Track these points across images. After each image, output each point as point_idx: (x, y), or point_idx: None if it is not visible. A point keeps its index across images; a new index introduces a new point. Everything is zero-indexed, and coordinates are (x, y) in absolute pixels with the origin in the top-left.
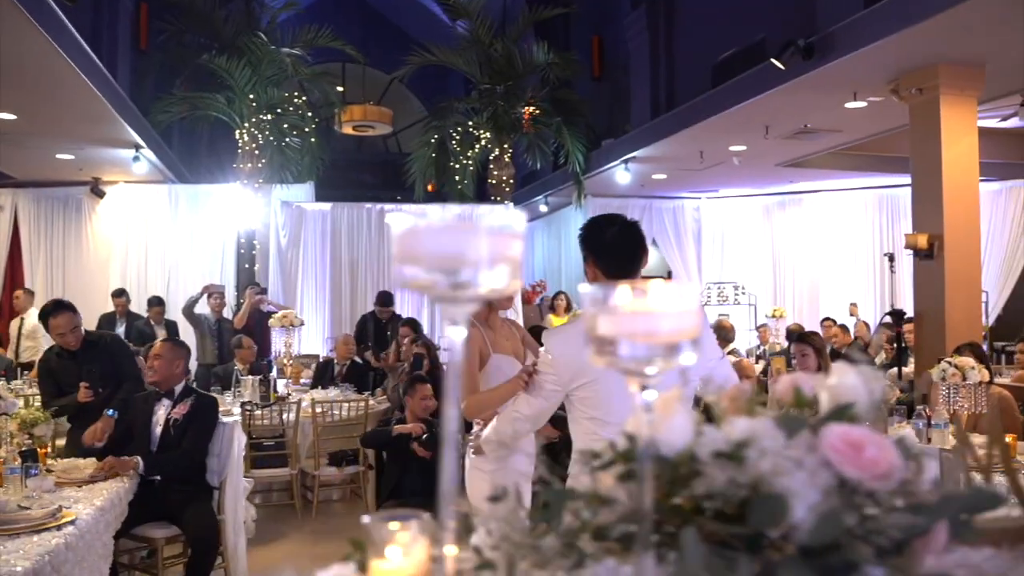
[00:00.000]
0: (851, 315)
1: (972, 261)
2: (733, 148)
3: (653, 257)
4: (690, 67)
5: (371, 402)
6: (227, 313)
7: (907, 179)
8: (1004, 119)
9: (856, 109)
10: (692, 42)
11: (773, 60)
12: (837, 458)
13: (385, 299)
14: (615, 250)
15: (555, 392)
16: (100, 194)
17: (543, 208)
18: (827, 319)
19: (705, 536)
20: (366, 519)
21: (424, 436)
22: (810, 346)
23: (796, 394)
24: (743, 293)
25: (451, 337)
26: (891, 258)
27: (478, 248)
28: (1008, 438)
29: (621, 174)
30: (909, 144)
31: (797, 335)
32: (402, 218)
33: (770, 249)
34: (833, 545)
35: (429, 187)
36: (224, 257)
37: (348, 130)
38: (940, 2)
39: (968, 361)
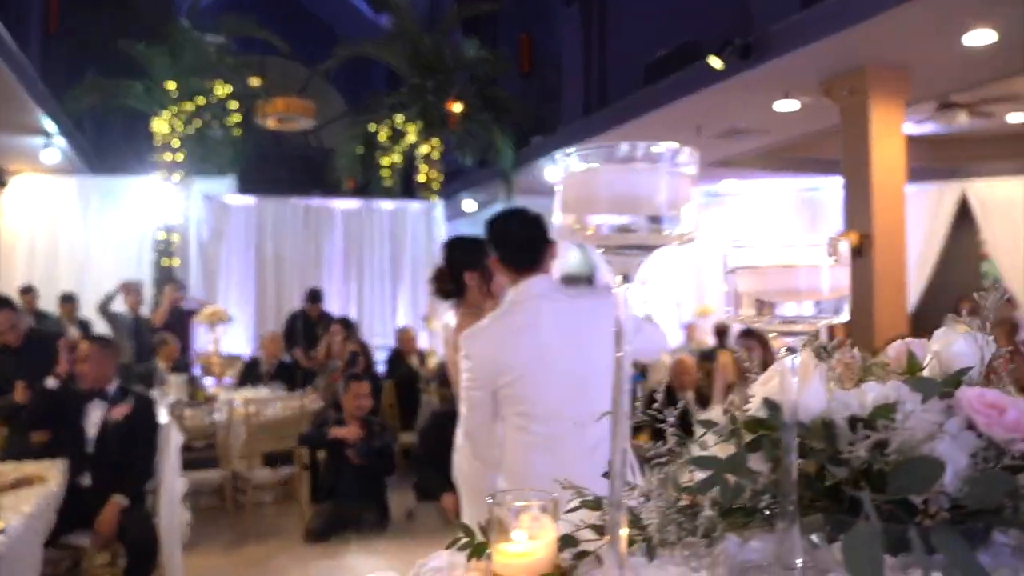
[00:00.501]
0: None
1: (899, 259)
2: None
3: (575, 256)
4: (623, 66)
5: (304, 401)
6: (145, 310)
7: (828, 180)
8: (919, 123)
9: (785, 110)
10: (625, 41)
11: (712, 57)
12: (983, 420)
13: (314, 296)
14: (518, 243)
15: (482, 398)
16: (1, 183)
17: (470, 206)
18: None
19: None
20: (490, 500)
21: (359, 445)
22: (755, 341)
23: (910, 358)
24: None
25: (619, 295)
26: None
27: (676, 189)
28: None
29: (552, 171)
30: (840, 145)
31: (744, 330)
32: (573, 162)
33: (693, 248)
34: (992, 509)
35: (349, 183)
36: (141, 252)
37: (271, 123)
38: (871, 7)
39: None
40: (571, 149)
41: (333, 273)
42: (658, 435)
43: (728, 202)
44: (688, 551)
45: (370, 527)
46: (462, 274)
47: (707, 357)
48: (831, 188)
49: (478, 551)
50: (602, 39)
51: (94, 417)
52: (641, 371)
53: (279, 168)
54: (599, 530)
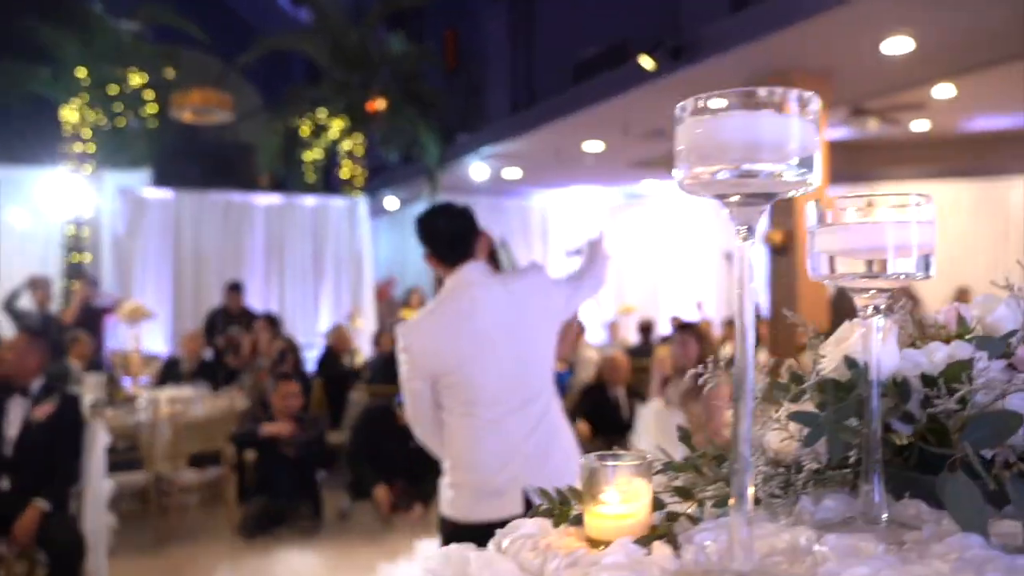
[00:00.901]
0: (697, 311)
1: None
2: (590, 146)
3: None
4: (551, 64)
5: (232, 400)
6: (54, 307)
7: None
8: (832, 127)
9: None
10: (553, 39)
11: (644, 56)
12: None
13: (235, 288)
14: (447, 237)
15: (421, 389)
16: None
17: (392, 203)
18: (675, 317)
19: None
20: (584, 460)
21: (293, 439)
22: (691, 335)
23: (960, 322)
24: None
25: (742, 250)
26: (730, 257)
27: (806, 135)
28: None
29: (477, 169)
30: None
31: (680, 325)
32: (698, 108)
33: (614, 248)
34: None
35: (265, 179)
36: (48, 247)
37: (187, 116)
38: (796, 14)
39: None
40: (701, 95)
41: (254, 270)
42: (596, 429)
43: (647, 202)
44: (768, 511)
45: (304, 523)
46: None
47: (637, 353)
48: None
49: (564, 517)
50: (529, 37)
51: (14, 416)
52: (569, 367)
53: (196, 162)
54: (683, 492)
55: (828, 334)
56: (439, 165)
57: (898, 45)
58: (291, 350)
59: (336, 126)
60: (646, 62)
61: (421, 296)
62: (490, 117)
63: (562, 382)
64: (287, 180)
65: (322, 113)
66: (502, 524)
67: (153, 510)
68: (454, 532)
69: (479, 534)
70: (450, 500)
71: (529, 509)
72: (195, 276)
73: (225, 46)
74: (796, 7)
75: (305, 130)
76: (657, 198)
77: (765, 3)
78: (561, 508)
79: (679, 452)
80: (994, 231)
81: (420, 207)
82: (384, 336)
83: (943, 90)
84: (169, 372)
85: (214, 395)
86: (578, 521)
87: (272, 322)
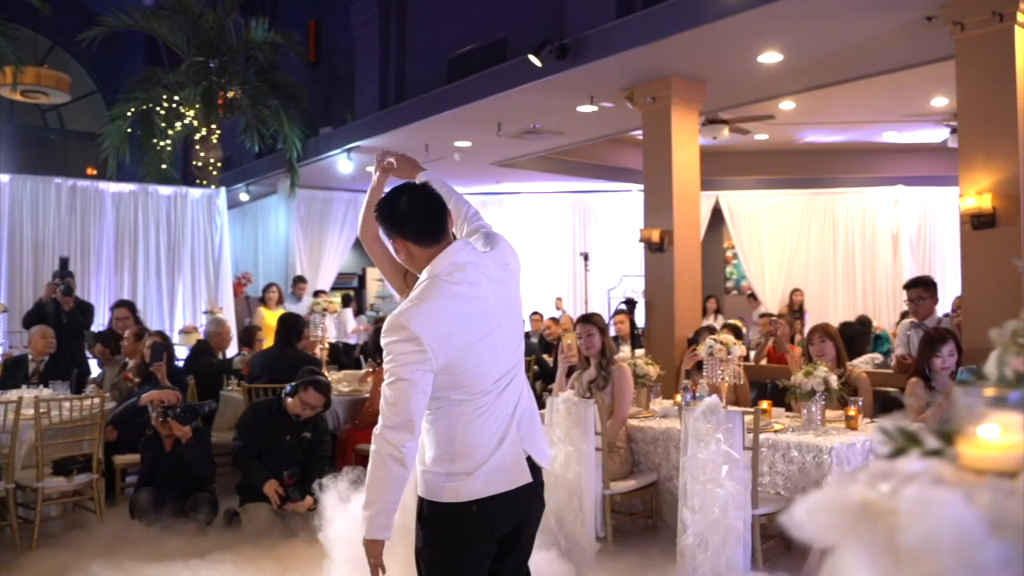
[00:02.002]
0: (557, 308)
1: (695, 253)
2: (459, 143)
3: (346, 254)
4: (424, 59)
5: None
6: None
7: (599, 185)
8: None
9: (586, 113)
10: (427, 34)
11: (532, 55)
12: None
13: (64, 265)
14: (414, 218)
15: (426, 382)
16: None
17: (243, 196)
18: (535, 313)
19: None
20: (956, 394)
21: (178, 409)
22: (594, 326)
23: None
24: None
25: None
26: (586, 257)
27: None
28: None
29: (342, 164)
30: (643, 148)
31: (582, 316)
32: None
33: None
34: None
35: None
36: None
37: (15, 95)
38: (678, 23)
39: (730, 338)
40: None
41: (103, 262)
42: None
43: (507, 202)
44: None
45: (199, 517)
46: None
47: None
48: (601, 193)
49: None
50: (401, 31)
51: None
52: None
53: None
54: None
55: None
56: (300, 159)
57: (768, 58)
58: (166, 345)
59: (190, 113)
60: (535, 60)
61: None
62: (358, 112)
63: None
64: (137, 168)
65: (175, 99)
66: (515, 494)
67: (13, 524)
68: (461, 510)
69: (493, 505)
70: (454, 489)
71: (535, 473)
72: (35, 267)
73: (50, 22)
74: (677, 18)
75: (157, 116)
76: (516, 198)
77: (649, 10)
78: (911, 443)
79: (590, 442)
80: (823, 238)
81: (271, 203)
82: (257, 333)
83: (786, 104)
84: (13, 372)
85: (81, 396)
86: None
87: (132, 308)
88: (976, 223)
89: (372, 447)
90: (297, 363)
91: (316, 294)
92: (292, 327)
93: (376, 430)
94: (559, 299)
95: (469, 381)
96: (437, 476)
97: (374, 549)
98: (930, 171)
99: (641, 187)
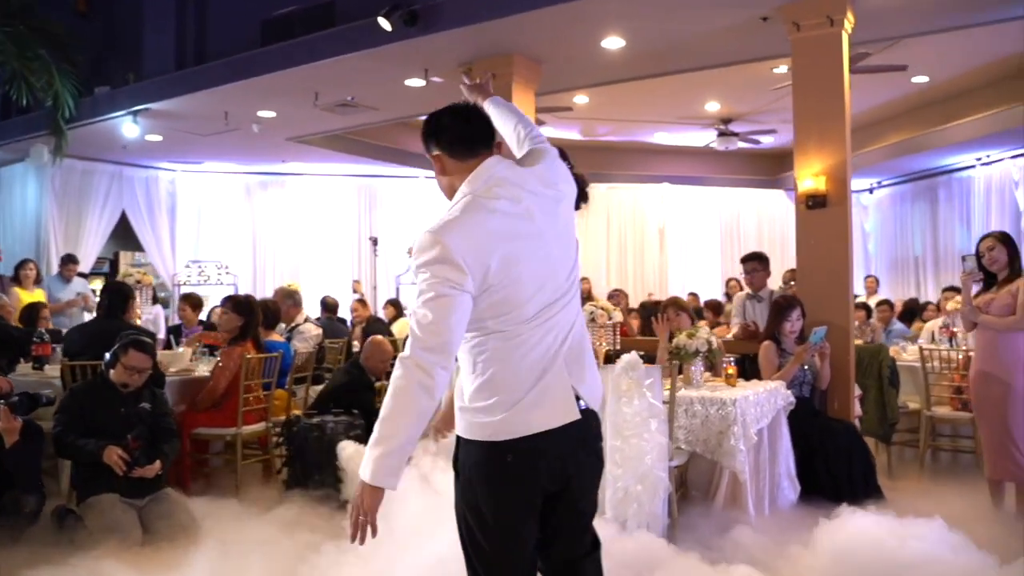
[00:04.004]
0: (355, 292)
1: None
2: (262, 114)
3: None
4: (231, 19)
5: None
6: None
7: (386, 169)
8: None
9: (412, 88)
10: None
11: (382, 18)
12: None
13: None
14: (453, 127)
15: (464, 304)
16: None
17: None
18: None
19: None
20: None
21: (14, 399)
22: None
23: None
24: (226, 273)
25: None
26: (375, 242)
27: None
28: None
29: (129, 127)
30: None
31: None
32: None
33: (251, 229)
34: None
35: None
36: None
37: None
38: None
39: (610, 305)
40: None
41: None
42: None
43: (289, 183)
44: None
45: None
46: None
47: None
48: (388, 178)
49: None
50: None
51: None
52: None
53: None
54: None
55: None
56: (71, 119)
57: (612, 43)
58: None
59: None
60: (384, 24)
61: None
62: (147, 72)
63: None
64: None
65: None
66: (562, 435)
67: None
68: (500, 451)
69: (536, 446)
70: (493, 427)
71: (585, 410)
72: None
73: None
74: None
75: None
76: (297, 180)
77: None
78: None
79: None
80: (598, 230)
81: (22, 170)
82: (43, 309)
83: (580, 98)
84: None
85: None
86: None
87: None
88: (810, 203)
89: (396, 373)
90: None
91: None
92: (117, 296)
93: (403, 354)
94: (356, 282)
95: (510, 308)
96: (476, 413)
97: (371, 501)
98: (692, 172)
99: (428, 174)
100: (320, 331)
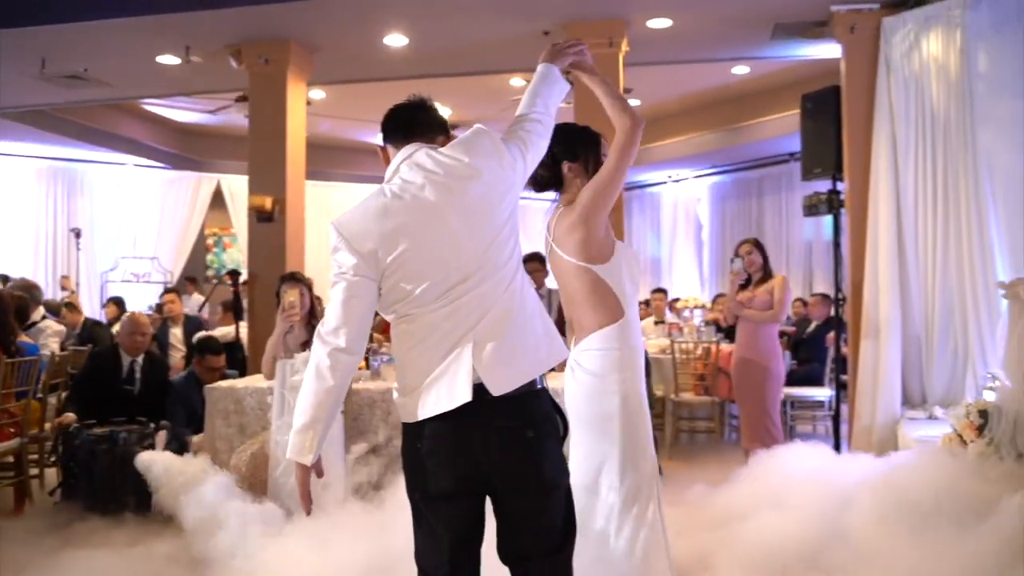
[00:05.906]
0: (63, 288)
1: (301, 223)
2: None
3: None
4: None
5: None
6: None
7: (91, 154)
8: (215, 111)
9: (165, 66)
10: None
11: None
12: None
13: None
14: (389, 118)
15: (365, 286)
16: None
17: None
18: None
19: None
20: None
21: None
22: (304, 285)
23: None
24: None
25: None
26: (77, 234)
27: None
28: None
29: None
30: (250, 110)
31: (289, 274)
32: None
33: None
34: None
35: None
36: None
37: None
38: None
39: None
40: None
41: None
42: None
43: None
44: None
45: None
46: (561, 164)
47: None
48: (94, 164)
49: None
50: None
51: None
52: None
53: None
54: None
55: None
56: None
57: (394, 41)
58: None
59: None
60: None
61: None
62: None
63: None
64: None
65: None
66: (459, 420)
67: None
68: (412, 432)
69: (436, 430)
70: (404, 407)
71: (480, 395)
72: None
73: None
74: None
75: None
76: None
77: None
78: None
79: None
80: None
81: None
82: None
83: (316, 93)
84: None
85: None
86: None
87: None
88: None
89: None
90: None
91: None
92: None
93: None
94: (65, 278)
95: (407, 291)
96: (397, 394)
97: (299, 474)
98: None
99: (139, 161)
100: (63, 328)
